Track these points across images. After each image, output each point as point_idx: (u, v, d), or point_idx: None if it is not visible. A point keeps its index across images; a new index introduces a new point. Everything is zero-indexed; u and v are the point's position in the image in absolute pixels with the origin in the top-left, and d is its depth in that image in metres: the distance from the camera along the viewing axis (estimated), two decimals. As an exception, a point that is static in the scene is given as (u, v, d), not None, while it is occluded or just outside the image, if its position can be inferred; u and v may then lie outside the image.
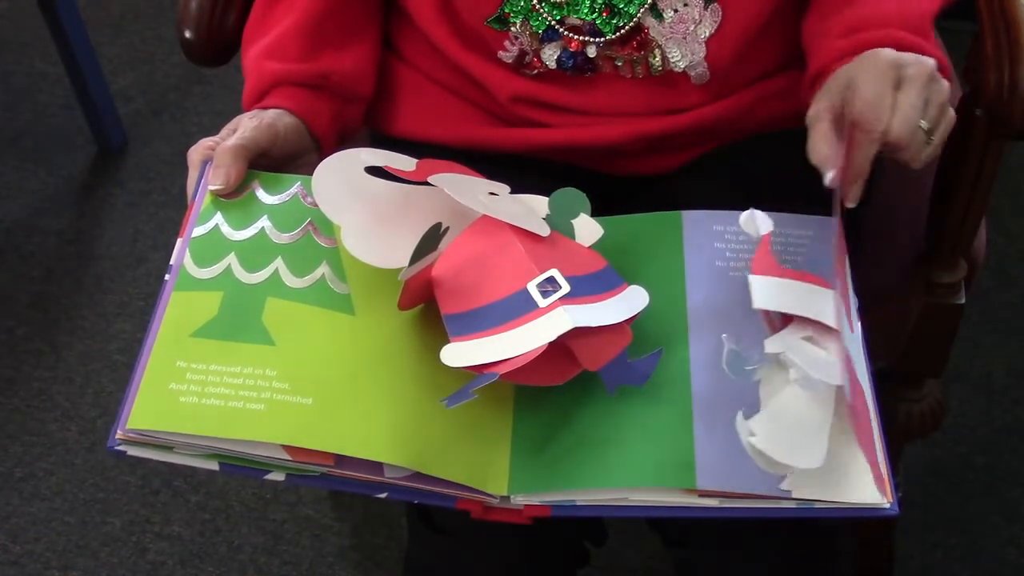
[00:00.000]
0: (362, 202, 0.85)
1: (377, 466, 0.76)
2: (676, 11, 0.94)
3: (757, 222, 0.86)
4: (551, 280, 0.78)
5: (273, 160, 0.93)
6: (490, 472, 0.77)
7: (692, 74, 0.98)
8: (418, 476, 0.76)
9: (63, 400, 1.66)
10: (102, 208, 1.93)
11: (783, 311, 0.81)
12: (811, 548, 0.94)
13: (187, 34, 1.09)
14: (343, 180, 0.86)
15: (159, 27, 2.23)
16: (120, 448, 0.76)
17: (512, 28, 0.97)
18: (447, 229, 0.79)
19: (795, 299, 0.82)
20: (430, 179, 0.83)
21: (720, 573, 0.97)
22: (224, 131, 0.93)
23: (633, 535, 1.46)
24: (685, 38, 0.96)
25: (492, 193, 0.86)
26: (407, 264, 0.78)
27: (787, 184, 1.02)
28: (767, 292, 0.81)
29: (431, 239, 0.77)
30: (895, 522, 0.73)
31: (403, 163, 0.87)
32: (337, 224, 0.84)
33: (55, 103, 2.10)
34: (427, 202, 0.86)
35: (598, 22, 0.95)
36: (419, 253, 0.77)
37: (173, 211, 1.91)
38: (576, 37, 0.96)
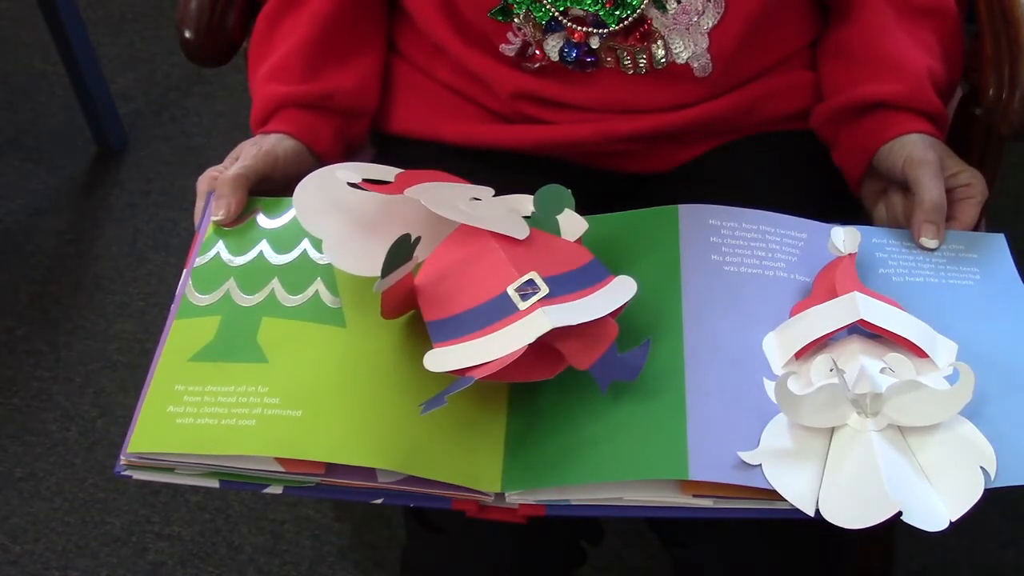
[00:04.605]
0: (342, 214, 0.87)
1: (370, 472, 0.76)
2: (679, 2, 0.95)
3: (843, 240, 0.86)
4: (530, 283, 0.78)
5: (276, 184, 0.95)
6: (483, 471, 0.78)
7: (695, 65, 0.98)
8: (411, 479, 0.76)
9: (63, 400, 1.66)
10: (102, 208, 1.93)
11: (892, 330, 0.80)
12: (810, 548, 0.94)
13: (187, 34, 1.09)
14: (323, 195, 0.88)
15: (159, 27, 2.24)
16: (126, 473, 0.78)
17: (515, 19, 0.97)
18: (419, 238, 0.79)
19: (898, 320, 0.82)
20: (407, 192, 0.84)
21: (719, 573, 0.97)
22: (227, 160, 0.96)
23: (633, 535, 1.46)
24: (688, 29, 0.96)
25: (476, 198, 0.86)
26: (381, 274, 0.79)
27: (786, 184, 1.03)
28: (873, 309, 0.81)
29: (401, 250, 0.78)
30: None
31: (384, 174, 0.87)
32: (318, 237, 0.86)
33: (55, 103, 2.10)
34: (408, 210, 0.86)
35: (601, 13, 0.95)
36: (390, 264, 0.78)
37: (173, 211, 1.91)
38: (579, 28, 0.97)
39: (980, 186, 0.93)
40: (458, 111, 1.05)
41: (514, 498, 0.77)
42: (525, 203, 0.86)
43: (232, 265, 0.88)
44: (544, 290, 0.78)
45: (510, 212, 0.84)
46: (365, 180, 0.87)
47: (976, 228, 0.93)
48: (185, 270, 0.88)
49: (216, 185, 0.92)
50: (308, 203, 0.87)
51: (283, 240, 0.90)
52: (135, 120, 2.06)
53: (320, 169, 0.89)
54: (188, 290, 0.86)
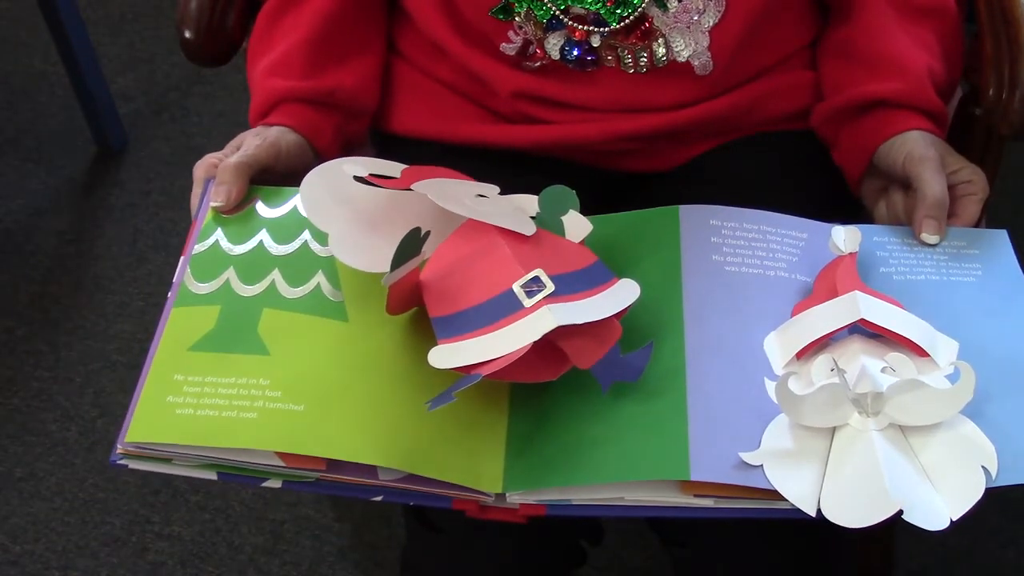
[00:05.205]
0: (349, 209, 0.86)
1: (371, 469, 0.76)
2: (680, 1, 0.95)
3: (844, 239, 0.86)
4: (536, 280, 0.78)
5: (276, 176, 0.94)
6: (484, 471, 0.77)
7: (695, 64, 0.98)
8: (412, 478, 0.76)
9: (63, 400, 1.66)
10: (102, 208, 1.93)
11: (892, 330, 0.80)
12: (810, 548, 0.94)
13: (187, 34, 1.09)
14: (330, 189, 0.87)
15: (159, 27, 2.24)
16: (121, 462, 0.77)
17: (516, 18, 0.97)
18: (428, 233, 0.79)
19: (899, 319, 0.81)
20: (413, 186, 0.83)
21: (719, 573, 0.97)
22: (228, 148, 0.95)
23: (633, 535, 1.46)
24: (689, 27, 0.96)
25: (481, 195, 0.86)
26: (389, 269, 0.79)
27: (787, 184, 1.03)
28: (873, 308, 0.81)
29: (411, 244, 0.78)
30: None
31: (390, 169, 0.87)
32: (325, 232, 0.85)
33: (55, 103, 2.10)
34: (414, 206, 0.86)
35: (602, 11, 0.95)
36: (400, 258, 0.77)
37: (173, 211, 1.91)
38: (580, 27, 0.97)
39: (981, 183, 0.93)
40: (458, 111, 1.05)
41: (515, 498, 0.77)
42: (530, 203, 0.86)
43: (232, 254, 0.87)
44: (550, 287, 0.78)
45: (516, 210, 0.84)
46: (371, 175, 0.87)
47: (977, 226, 0.93)
48: (183, 257, 0.87)
49: (218, 171, 0.91)
50: (315, 196, 0.87)
51: (283, 230, 0.89)
52: (135, 120, 2.06)
53: (327, 162, 0.89)
54: (187, 278, 0.86)
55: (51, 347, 1.73)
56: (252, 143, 0.94)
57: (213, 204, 0.90)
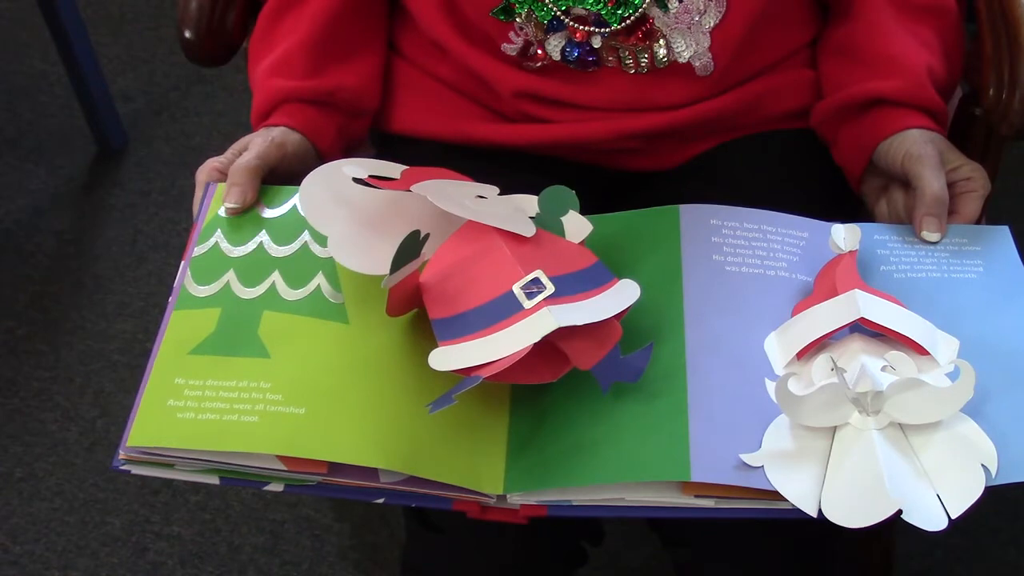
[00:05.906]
0: (348, 211, 0.86)
1: (372, 472, 0.76)
2: (681, 1, 0.95)
3: (844, 237, 0.86)
4: (536, 281, 0.78)
5: (279, 177, 0.94)
6: (485, 472, 0.77)
7: (696, 64, 0.98)
8: (413, 480, 0.76)
9: (63, 400, 1.66)
10: (102, 208, 1.93)
11: (892, 328, 0.80)
12: (811, 548, 0.94)
13: (187, 34, 1.09)
14: (329, 191, 0.87)
15: (159, 27, 2.24)
16: (124, 467, 0.77)
17: (517, 19, 0.97)
18: (427, 235, 0.79)
19: (899, 318, 0.81)
20: (413, 188, 0.83)
21: (719, 573, 0.97)
22: (230, 151, 0.95)
23: (633, 535, 1.46)
24: (690, 28, 0.96)
25: (480, 196, 0.86)
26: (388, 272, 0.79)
27: (787, 183, 1.03)
28: (873, 306, 0.81)
29: (411, 246, 0.78)
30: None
31: (389, 171, 0.87)
32: (324, 234, 0.85)
33: (55, 103, 2.10)
34: (413, 208, 0.86)
35: (603, 12, 0.95)
36: (400, 260, 0.77)
37: (173, 211, 1.91)
38: (581, 27, 0.97)
39: (982, 179, 0.93)
40: (459, 110, 1.05)
41: (516, 499, 0.77)
42: (530, 203, 0.86)
43: (231, 256, 0.87)
44: (550, 288, 0.78)
45: (516, 211, 0.84)
46: (371, 176, 0.87)
47: (978, 223, 0.93)
48: (183, 261, 0.87)
49: (230, 173, 0.91)
50: (315, 198, 0.87)
51: (283, 231, 0.89)
52: (135, 120, 2.06)
53: (327, 164, 0.89)
54: (187, 281, 0.86)
55: (51, 347, 1.73)
56: (259, 144, 0.94)
57: (228, 205, 0.89)
